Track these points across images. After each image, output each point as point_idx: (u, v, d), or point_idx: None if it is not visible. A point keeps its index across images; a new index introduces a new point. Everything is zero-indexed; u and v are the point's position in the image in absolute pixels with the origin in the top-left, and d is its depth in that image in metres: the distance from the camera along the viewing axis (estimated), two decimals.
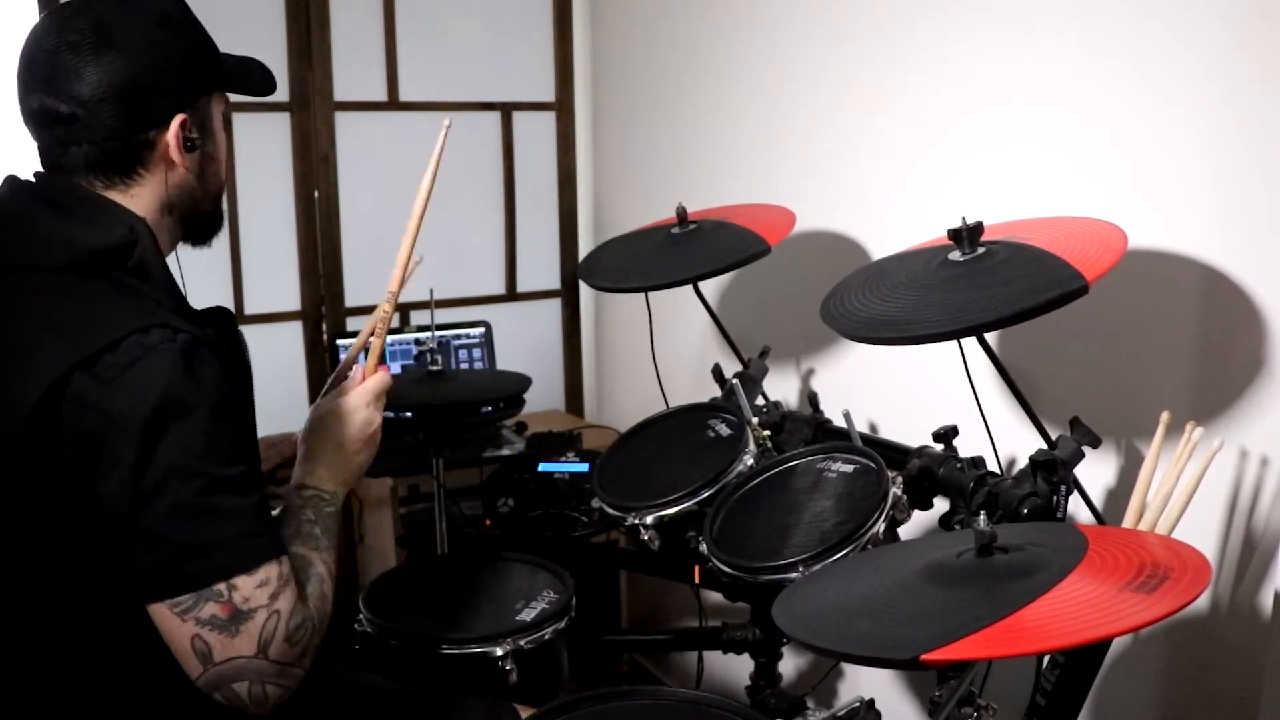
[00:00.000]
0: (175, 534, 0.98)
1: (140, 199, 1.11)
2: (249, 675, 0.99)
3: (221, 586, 0.98)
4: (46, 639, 1.06)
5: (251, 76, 1.21)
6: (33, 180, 1.12)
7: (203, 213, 1.19)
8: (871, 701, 1.40)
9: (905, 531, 1.31)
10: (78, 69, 1.05)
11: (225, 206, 1.23)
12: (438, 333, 2.46)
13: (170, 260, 1.16)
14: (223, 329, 1.17)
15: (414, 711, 1.34)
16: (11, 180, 1.13)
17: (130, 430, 0.97)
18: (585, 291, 2.90)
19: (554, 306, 2.88)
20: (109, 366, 0.97)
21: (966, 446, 1.33)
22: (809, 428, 1.60)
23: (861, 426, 1.55)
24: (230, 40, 1.21)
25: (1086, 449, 1.21)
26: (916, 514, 1.32)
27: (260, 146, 2.39)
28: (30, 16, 2.09)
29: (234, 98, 1.22)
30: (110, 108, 1.06)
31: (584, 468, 2.10)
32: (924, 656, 0.80)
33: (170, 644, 0.99)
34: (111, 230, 1.07)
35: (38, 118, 1.08)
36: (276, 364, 2.49)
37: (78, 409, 0.97)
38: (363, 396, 1.22)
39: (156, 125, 1.09)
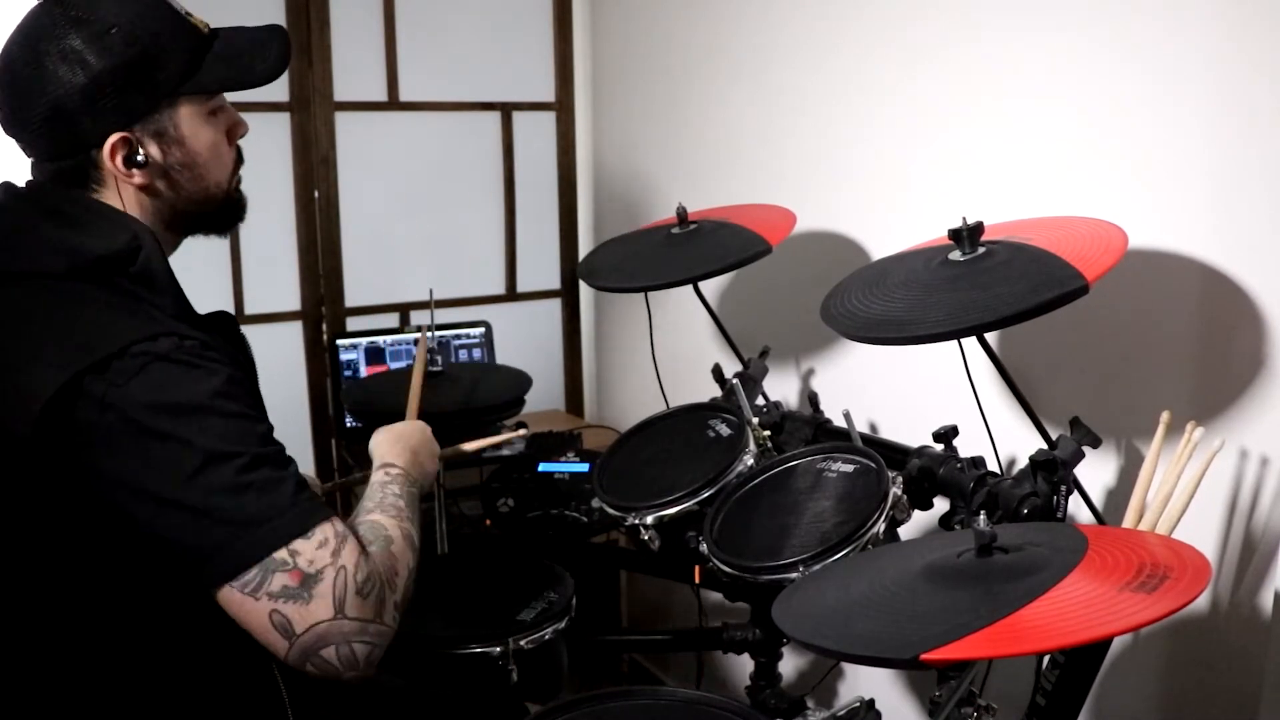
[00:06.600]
0: (225, 514, 0.98)
1: (129, 205, 1.11)
2: (334, 639, 0.99)
3: (284, 554, 0.98)
4: (64, 639, 1.06)
5: (237, 70, 1.15)
6: (28, 187, 1.13)
7: (194, 215, 1.17)
8: (871, 701, 1.40)
9: (905, 531, 1.31)
10: (18, 94, 1.07)
11: (234, 194, 1.21)
12: (438, 333, 2.46)
13: (177, 261, 1.16)
14: (227, 333, 1.18)
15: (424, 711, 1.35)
16: (7, 187, 1.13)
17: (155, 424, 0.97)
18: (585, 291, 2.90)
19: (554, 306, 2.88)
20: (120, 372, 0.98)
21: (966, 446, 1.33)
22: (809, 428, 1.60)
23: (861, 426, 1.55)
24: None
25: (1086, 449, 1.21)
26: (916, 514, 1.32)
27: (260, 146, 2.37)
28: None
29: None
30: (43, 130, 1.07)
31: (584, 468, 2.10)
32: (924, 656, 0.81)
33: (249, 628, 1.00)
34: (115, 236, 1.07)
35: (7, 132, 1.11)
36: (276, 364, 2.48)
37: (98, 410, 0.97)
38: (417, 424, 1.40)
39: (92, 146, 1.08)
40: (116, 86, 1.06)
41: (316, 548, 0.99)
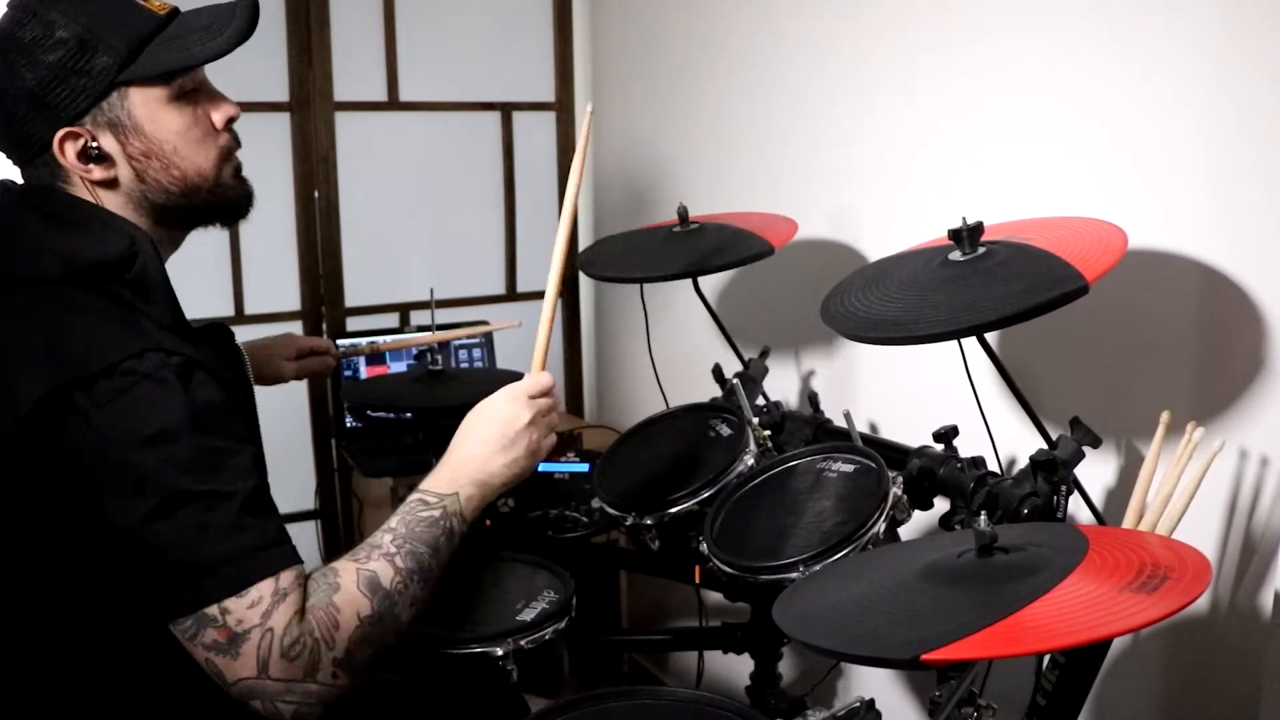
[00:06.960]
0: (172, 557, 0.98)
1: (103, 202, 1.10)
2: (259, 695, 0.99)
3: (215, 611, 0.97)
4: (47, 653, 1.06)
5: (177, 53, 1.08)
6: (23, 188, 1.12)
7: (181, 207, 1.13)
8: (871, 701, 1.40)
9: (905, 531, 1.31)
10: None
11: (225, 182, 1.15)
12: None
13: (177, 261, 1.15)
14: (221, 346, 1.16)
15: (420, 705, 1.34)
16: (5, 185, 1.12)
17: (127, 454, 0.96)
18: (585, 292, 2.90)
19: None
20: (105, 390, 0.97)
21: (966, 446, 1.33)
22: (809, 428, 1.60)
23: (861, 426, 1.55)
24: None
25: (1086, 449, 1.21)
26: (916, 514, 1.32)
27: (260, 146, 2.38)
28: None
29: (233, 94, 1.19)
30: (8, 135, 1.08)
31: (584, 468, 2.10)
32: (924, 656, 0.80)
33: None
34: (112, 242, 1.05)
35: None
36: None
37: (82, 426, 0.96)
38: (509, 393, 1.18)
39: (48, 144, 1.07)
40: (57, 81, 1.05)
41: (248, 607, 0.98)
